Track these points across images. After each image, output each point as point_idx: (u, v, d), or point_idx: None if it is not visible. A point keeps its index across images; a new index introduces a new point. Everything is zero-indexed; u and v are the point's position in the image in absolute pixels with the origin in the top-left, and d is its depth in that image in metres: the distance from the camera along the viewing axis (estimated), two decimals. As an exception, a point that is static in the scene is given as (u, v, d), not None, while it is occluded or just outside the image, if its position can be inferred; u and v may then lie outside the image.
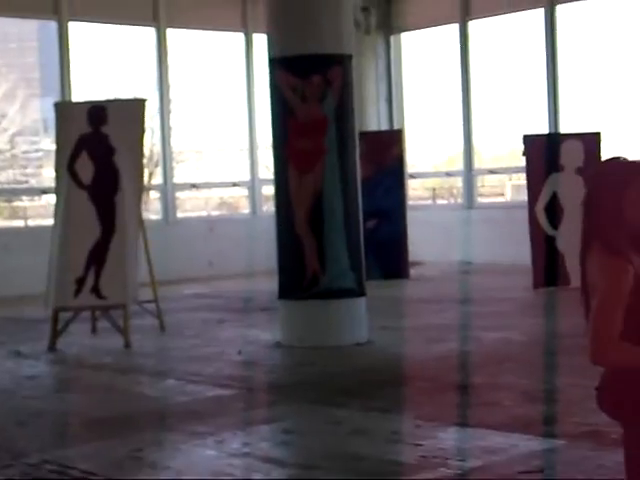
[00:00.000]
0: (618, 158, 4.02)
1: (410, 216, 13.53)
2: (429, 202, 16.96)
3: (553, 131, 13.76)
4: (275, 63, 7.77)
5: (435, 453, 4.32)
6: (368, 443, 4.60)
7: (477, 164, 15.52)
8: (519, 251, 11.84)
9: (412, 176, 16.25)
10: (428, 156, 16.89)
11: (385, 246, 12.72)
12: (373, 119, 16.18)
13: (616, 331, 3.64)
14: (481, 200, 15.89)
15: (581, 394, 5.00)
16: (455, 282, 12.57)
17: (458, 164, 15.69)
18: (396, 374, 6.31)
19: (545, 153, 10.95)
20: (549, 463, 4.12)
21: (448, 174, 16.46)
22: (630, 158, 3.95)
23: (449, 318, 8.91)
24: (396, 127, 15.76)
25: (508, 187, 16.70)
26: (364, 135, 12.71)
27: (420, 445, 4.47)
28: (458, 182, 15.95)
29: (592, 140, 10.78)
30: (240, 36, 15.40)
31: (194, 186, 15.48)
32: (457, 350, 7.17)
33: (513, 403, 5.27)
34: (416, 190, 17.25)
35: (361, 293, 7.72)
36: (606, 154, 9.45)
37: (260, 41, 14.17)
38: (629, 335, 3.69)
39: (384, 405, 5.38)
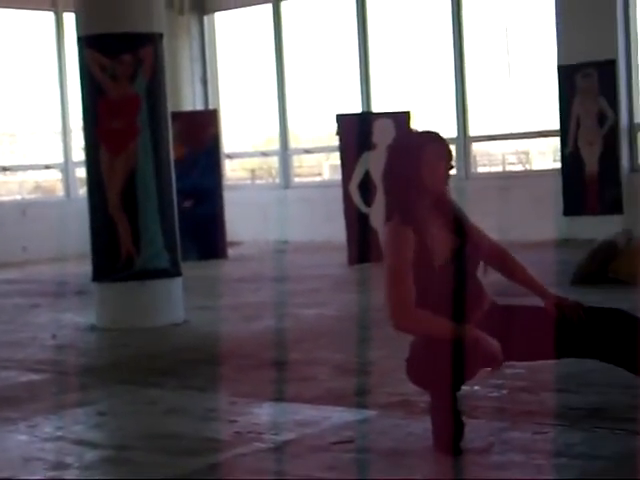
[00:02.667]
0: (412, 130, 4.17)
1: (228, 196, 13.55)
2: (248, 182, 16.99)
3: (365, 110, 14.00)
4: (84, 42, 7.62)
5: (250, 428, 4.35)
6: (183, 421, 4.60)
7: (295, 144, 15.65)
8: (335, 229, 12.05)
9: (229, 156, 16.26)
10: (247, 136, 16.90)
11: (202, 226, 12.72)
12: (188, 99, 16.09)
13: (410, 298, 3.77)
14: (299, 180, 16.04)
15: (392, 365, 5.11)
16: (272, 261, 12.67)
17: (275, 144, 15.77)
18: (212, 353, 6.31)
19: (357, 132, 11.13)
20: (360, 433, 4.20)
21: (264, 154, 16.52)
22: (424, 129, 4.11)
23: (266, 296, 8.98)
24: (211, 107, 15.71)
25: (325, 167, 16.89)
26: (179, 115, 12.65)
27: (235, 421, 4.49)
28: (276, 162, 16.05)
29: (402, 118, 11.02)
30: (50, 15, 15.04)
31: (6, 169, 15.08)
32: (273, 327, 7.23)
33: (327, 377, 5.35)
34: (236, 171, 17.26)
35: (177, 273, 7.69)
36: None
37: (71, 20, 13.88)
38: (429, 304, 3.82)
39: (200, 384, 5.39)
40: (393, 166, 3.96)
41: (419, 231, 3.85)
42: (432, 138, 3.96)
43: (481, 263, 4.01)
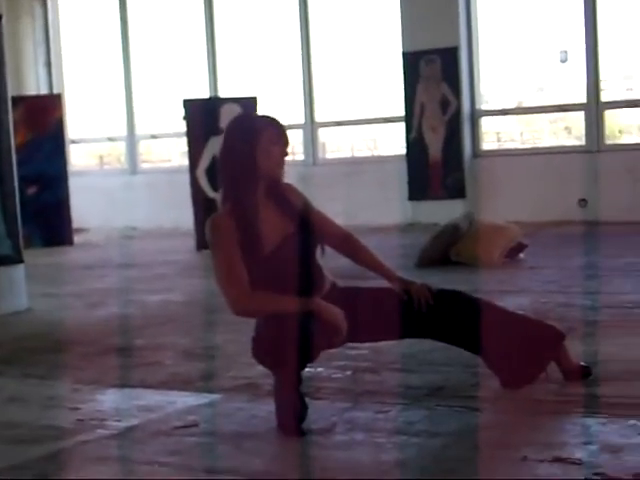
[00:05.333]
0: (246, 111, 4.18)
1: (75, 182, 13.33)
2: (96, 169, 16.73)
3: (212, 95, 13.95)
4: None
5: (93, 415, 4.30)
6: (24, 410, 4.50)
7: (143, 130, 15.47)
8: (182, 215, 11.99)
9: (75, 141, 15.98)
10: (94, 121, 16.60)
11: (47, 213, 12.48)
12: (32, 83, 15.73)
13: (244, 282, 3.79)
14: (147, 165, 15.88)
15: (238, 349, 5.13)
16: (119, 247, 12.51)
17: (123, 130, 15.57)
18: (56, 340, 6.19)
19: (204, 117, 11.08)
20: (205, 417, 4.19)
21: (110, 139, 16.28)
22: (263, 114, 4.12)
23: (112, 283, 8.86)
24: (56, 92, 15.39)
25: (174, 152, 16.76)
26: (22, 99, 12.36)
27: (78, 409, 4.43)
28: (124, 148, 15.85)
29: (249, 104, 11.02)
30: None
31: None
32: (118, 314, 7.14)
33: (173, 362, 5.32)
34: (83, 157, 16.97)
35: (18, 260, 7.52)
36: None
37: None
38: (262, 284, 3.85)
39: (42, 372, 5.28)
40: (229, 149, 3.96)
41: (249, 217, 3.86)
42: (268, 122, 3.96)
43: (319, 246, 4.05)
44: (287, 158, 4.03)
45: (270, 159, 3.91)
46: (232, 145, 3.94)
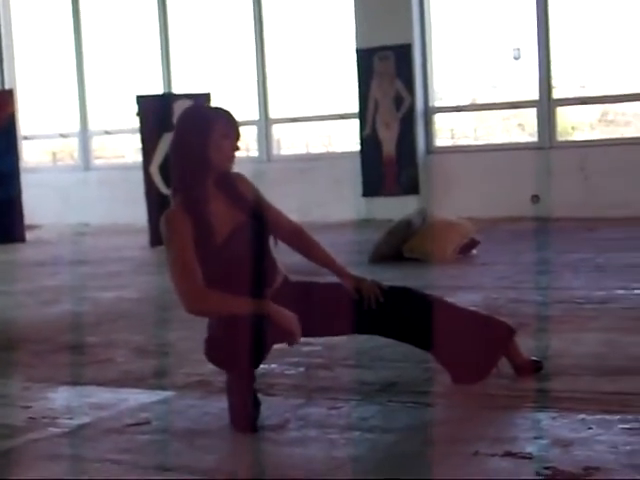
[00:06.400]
0: (198, 104, 4.15)
1: (27, 179, 13.22)
2: (49, 165, 16.59)
3: (166, 91, 13.90)
4: None
5: (44, 413, 4.27)
6: (-26, 409, 4.47)
7: (96, 126, 15.38)
8: (136, 211, 11.93)
9: (27, 138, 15.84)
10: (47, 117, 16.48)
11: (-2, 210, 12.37)
12: (-18, 79, 15.59)
13: (198, 281, 3.77)
14: (101, 162, 15.79)
15: (191, 346, 5.11)
16: (72, 244, 12.41)
17: (75, 126, 15.47)
18: (7, 338, 6.14)
19: (158, 113, 11.03)
20: (157, 414, 4.18)
21: (63, 135, 16.15)
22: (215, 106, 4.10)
23: (65, 280, 8.80)
24: (7, 87, 15.25)
25: (128, 148, 16.66)
26: (-28, 95, 12.22)
27: (29, 407, 4.40)
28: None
29: (203, 100, 10.99)
30: None
31: None
32: (71, 311, 7.09)
33: (125, 359, 5.30)
34: (36, 153, 16.84)
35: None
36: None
37: None
38: (217, 282, 3.84)
39: (-7, 370, 5.25)
40: (180, 141, 3.94)
41: (198, 211, 3.85)
42: (220, 115, 3.94)
43: (271, 239, 4.05)
44: (241, 154, 4.02)
45: (221, 152, 3.89)
46: (183, 137, 3.92)
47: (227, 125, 3.91)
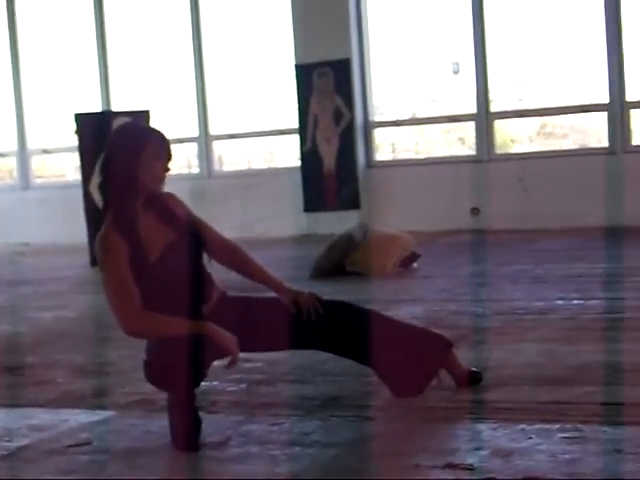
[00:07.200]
0: (131, 122, 4.12)
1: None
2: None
3: (105, 109, 13.82)
4: None
5: (-19, 437, 4.22)
6: None
7: (35, 144, 15.25)
8: (76, 230, 11.83)
9: (-37, 157, 15.69)
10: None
11: None
12: None
13: (135, 302, 3.74)
14: (40, 181, 15.64)
15: (132, 365, 5.07)
16: (11, 264, 12.29)
17: (14, 144, 15.33)
18: (-55, 361, 6.05)
19: (97, 131, 10.95)
20: (98, 434, 4.14)
21: (1, 155, 15.97)
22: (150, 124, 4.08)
23: (3, 300, 8.71)
24: (-57, 106, 15.08)
25: (68, 167, 16.53)
26: None
27: (-34, 430, 4.34)
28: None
29: (142, 118, 10.94)
30: None
31: None
32: (10, 331, 7.01)
33: (65, 379, 5.25)
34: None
35: None
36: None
37: None
38: (154, 301, 3.82)
39: None
40: (111, 159, 3.92)
41: (130, 230, 3.82)
42: (153, 136, 3.90)
43: (205, 255, 4.04)
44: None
45: (151, 173, 3.86)
46: (114, 156, 3.90)
47: (159, 146, 3.87)
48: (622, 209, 10.57)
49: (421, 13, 12.83)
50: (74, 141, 11.60)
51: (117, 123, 10.89)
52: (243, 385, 4.79)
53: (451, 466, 3.38)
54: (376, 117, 12.97)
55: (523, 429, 3.73)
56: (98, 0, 14.36)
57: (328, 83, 12.59)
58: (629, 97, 11.46)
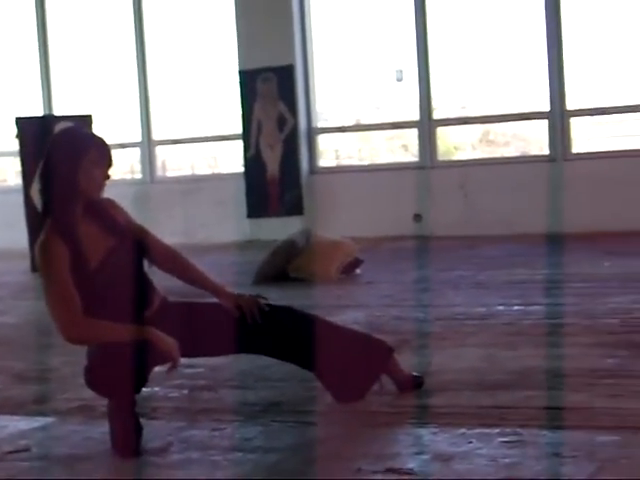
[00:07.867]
0: (72, 127, 4.08)
1: None
2: None
3: (46, 113, 13.71)
4: None
5: None
6: None
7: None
8: (17, 235, 11.70)
9: None
10: None
11: None
12: None
13: (76, 309, 3.71)
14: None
15: (73, 371, 5.03)
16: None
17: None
18: None
19: (38, 135, 10.85)
20: (37, 441, 4.10)
21: (-60, 159, 15.77)
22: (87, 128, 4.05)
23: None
24: None
25: (9, 171, 16.34)
26: None
27: None
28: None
29: (84, 122, 10.86)
30: None
31: None
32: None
33: (5, 386, 5.20)
34: None
35: None
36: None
37: None
38: (95, 308, 3.79)
39: None
40: (49, 164, 3.87)
41: (70, 236, 3.79)
42: (93, 142, 3.86)
43: (146, 261, 4.01)
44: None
45: (91, 180, 3.82)
46: (53, 161, 3.85)
47: (99, 153, 3.83)
48: (562, 216, 10.69)
49: (365, 20, 12.88)
50: (15, 145, 11.48)
51: (59, 127, 10.82)
52: (185, 391, 4.77)
53: (392, 470, 3.40)
54: (320, 123, 13.00)
55: (463, 433, 3.76)
56: (40, 2, 14.25)
57: (271, 89, 12.60)
58: (569, 105, 11.60)
